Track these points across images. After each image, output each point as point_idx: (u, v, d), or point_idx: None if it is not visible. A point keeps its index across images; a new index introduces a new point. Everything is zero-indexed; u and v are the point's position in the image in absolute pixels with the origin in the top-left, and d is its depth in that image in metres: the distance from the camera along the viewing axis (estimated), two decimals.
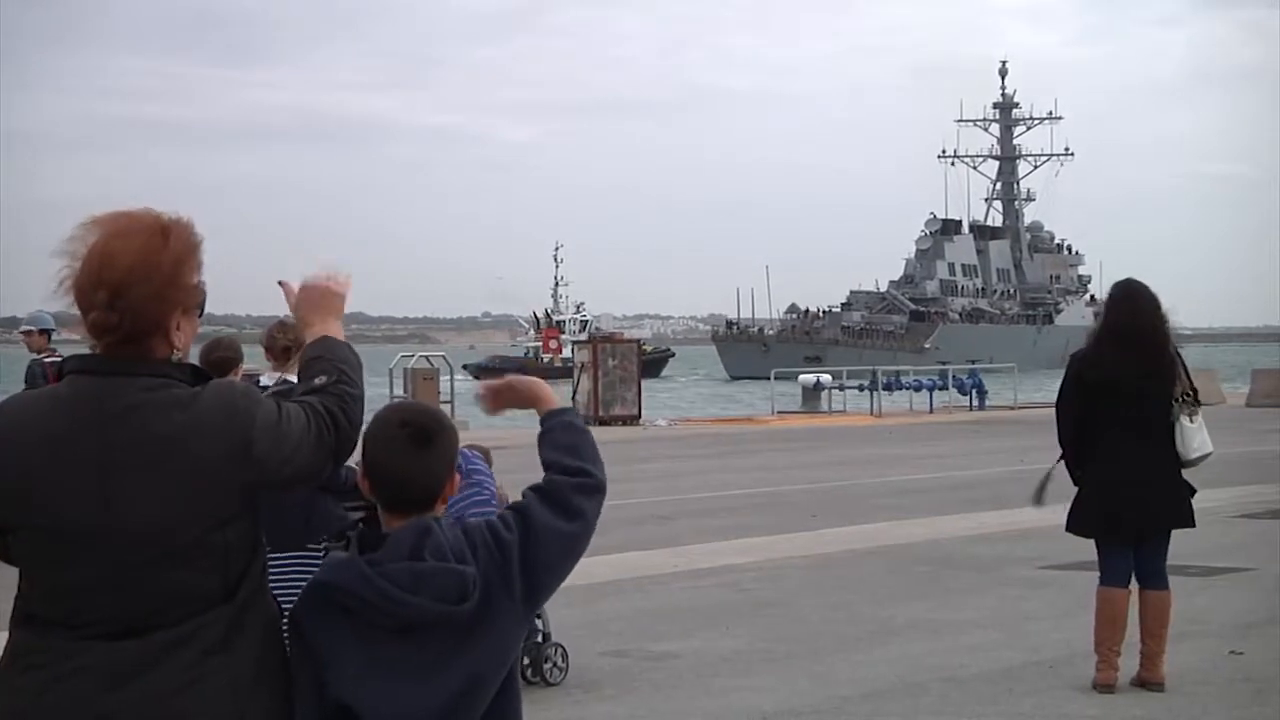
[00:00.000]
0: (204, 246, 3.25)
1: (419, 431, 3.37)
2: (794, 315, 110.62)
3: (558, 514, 3.42)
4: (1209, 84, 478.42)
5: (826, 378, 43.99)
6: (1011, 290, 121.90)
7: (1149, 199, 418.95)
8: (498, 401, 3.64)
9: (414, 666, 3.28)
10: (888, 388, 44.19)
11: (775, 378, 43.15)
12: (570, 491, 3.45)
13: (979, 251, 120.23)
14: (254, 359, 8.85)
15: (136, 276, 3.11)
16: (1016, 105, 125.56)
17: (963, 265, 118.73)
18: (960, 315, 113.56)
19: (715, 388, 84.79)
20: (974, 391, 44.68)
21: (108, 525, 3.08)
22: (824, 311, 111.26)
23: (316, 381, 3.29)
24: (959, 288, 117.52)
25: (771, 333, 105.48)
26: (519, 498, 3.50)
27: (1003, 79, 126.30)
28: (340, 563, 3.34)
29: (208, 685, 3.09)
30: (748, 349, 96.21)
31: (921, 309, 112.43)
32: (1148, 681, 8.61)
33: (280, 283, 3.58)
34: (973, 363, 57.80)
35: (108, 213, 3.21)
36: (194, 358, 3.50)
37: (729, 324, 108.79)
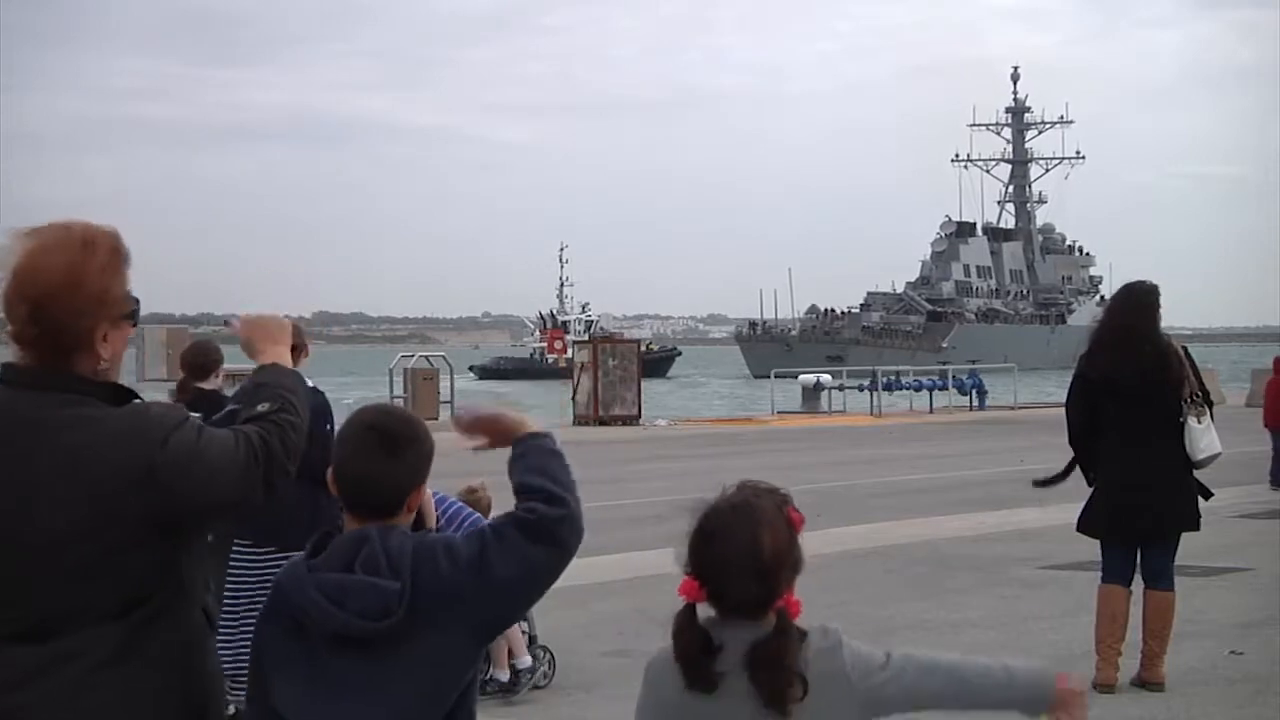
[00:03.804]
0: (130, 256, 3.25)
1: (386, 436, 3.28)
2: (814, 316, 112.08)
3: (529, 540, 3.22)
4: (1206, 85, 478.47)
5: (826, 378, 44.01)
6: (1025, 291, 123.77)
7: (1148, 200, 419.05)
8: (475, 429, 3.41)
9: (346, 682, 3.20)
10: (888, 388, 44.21)
11: (776, 377, 43.14)
12: (544, 518, 3.24)
13: (993, 253, 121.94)
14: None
15: (59, 291, 3.13)
16: (1028, 109, 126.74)
17: (977, 267, 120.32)
18: (976, 315, 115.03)
19: (739, 385, 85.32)
20: (974, 392, 44.70)
21: (2, 535, 3.10)
22: (843, 312, 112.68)
23: (259, 409, 3.28)
24: (974, 289, 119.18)
25: (794, 333, 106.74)
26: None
27: (1014, 84, 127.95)
28: (291, 565, 3.30)
29: (98, 697, 3.08)
30: (771, 349, 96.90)
31: (938, 309, 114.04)
32: (1148, 681, 8.61)
33: (226, 321, 3.60)
34: (973, 363, 57.86)
35: (38, 225, 3.21)
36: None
37: (752, 324, 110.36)
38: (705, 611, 3.26)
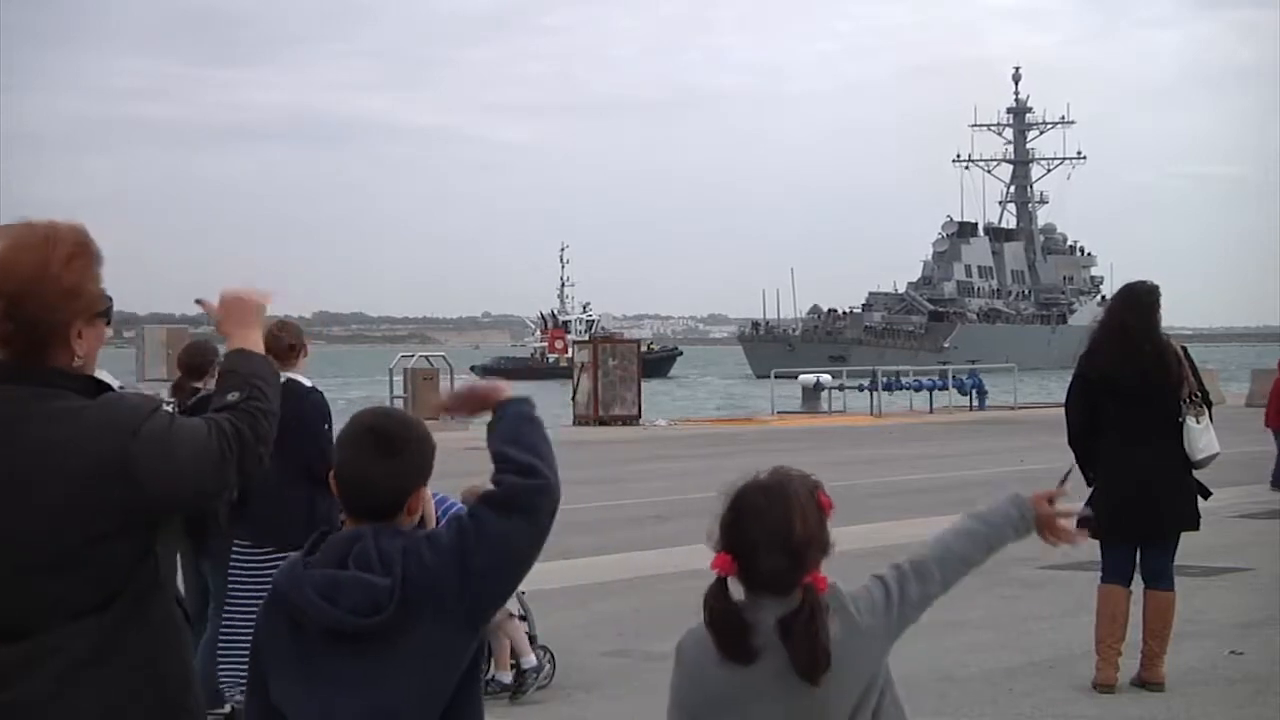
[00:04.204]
0: (101, 255, 3.27)
1: (384, 438, 3.31)
2: (816, 316, 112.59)
3: (502, 515, 3.24)
4: (1206, 85, 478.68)
5: (826, 378, 43.98)
6: (1026, 291, 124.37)
7: (1149, 200, 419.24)
8: (454, 408, 3.48)
9: (343, 676, 3.22)
10: (888, 388, 44.20)
11: (776, 377, 43.13)
12: (520, 493, 3.26)
13: (994, 253, 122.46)
14: None
15: (32, 288, 3.15)
16: (1030, 110, 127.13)
17: (979, 267, 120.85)
18: (978, 315, 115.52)
19: (741, 385, 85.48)
20: (974, 391, 44.69)
21: None
22: (846, 312, 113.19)
23: (229, 398, 3.30)
24: (975, 289, 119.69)
25: (796, 333, 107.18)
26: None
27: (1016, 84, 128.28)
28: (288, 564, 3.34)
29: (78, 696, 3.10)
30: (774, 349, 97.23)
31: (940, 310, 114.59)
32: (1147, 681, 8.61)
33: (198, 301, 3.59)
34: (972, 363, 57.87)
35: (8, 224, 3.24)
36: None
37: (755, 324, 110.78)
38: (735, 595, 3.39)
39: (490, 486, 3.30)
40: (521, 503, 3.26)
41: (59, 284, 3.17)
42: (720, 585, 3.37)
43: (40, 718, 3.09)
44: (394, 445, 3.30)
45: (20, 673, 3.09)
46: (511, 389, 3.45)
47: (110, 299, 3.29)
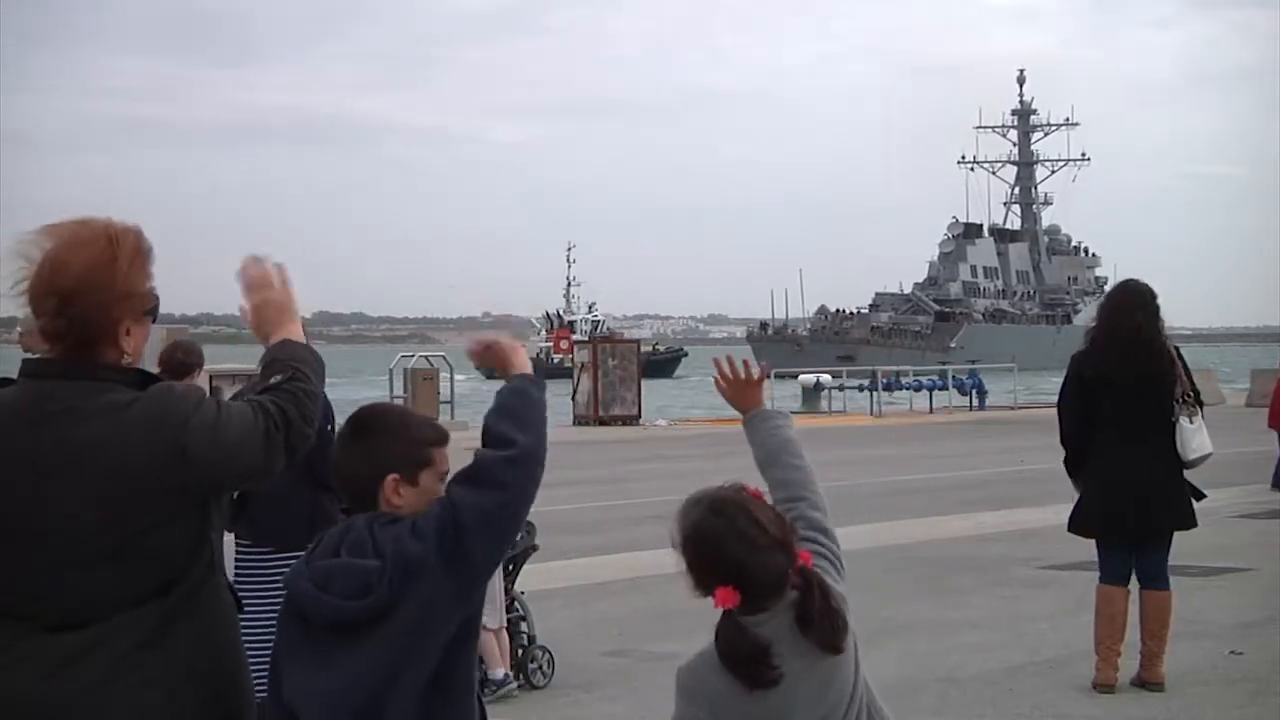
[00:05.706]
0: (154, 253, 3.31)
1: (354, 425, 3.42)
2: (823, 316, 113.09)
3: (477, 490, 3.30)
4: (1207, 85, 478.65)
5: (826, 378, 43.98)
6: (1031, 291, 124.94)
7: (1150, 200, 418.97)
8: (482, 358, 3.58)
9: (340, 659, 3.28)
10: (888, 388, 44.19)
11: (776, 377, 43.12)
12: (488, 465, 3.32)
13: (999, 254, 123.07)
14: (255, 359, 8.82)
15: (86, 286, 3.19)
16: (1034, 112, 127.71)
17: (984, 268, 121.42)
18: (983, 316, 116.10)
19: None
20: (974, 391, 44.69)
21: (36, 524, 3.15)
22: (852, 313, 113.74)
23: (271, 380, 3.34)
24: (981, 289, 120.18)
25: (804, 333, 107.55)
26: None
27: (1020, 86, 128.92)
28: (296, 562, 3.42)
29: (138, 677, 3.16)
30: (781, 349, 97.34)
31: (946, 310, 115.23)
32: (1147, 681, 8.61)
33: (241, 309, 3.59)
34: (972, 363, 57.87)
35: (62, 221, 3.27)
36: (153, 360, 3.58)
37: (763, 325, 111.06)
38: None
39: (466, 469, 3.36)
40: (490, 474, 3.31)
41: (119, 284, 3.22)
42: (728, 619, 3.33)
43: (96, 702, 3.13)
44: (359, 433, 3.40)
45: (77, 661, 3.14)
46: (525, 361, 3.51)
47: (158, 297, 3.33)
